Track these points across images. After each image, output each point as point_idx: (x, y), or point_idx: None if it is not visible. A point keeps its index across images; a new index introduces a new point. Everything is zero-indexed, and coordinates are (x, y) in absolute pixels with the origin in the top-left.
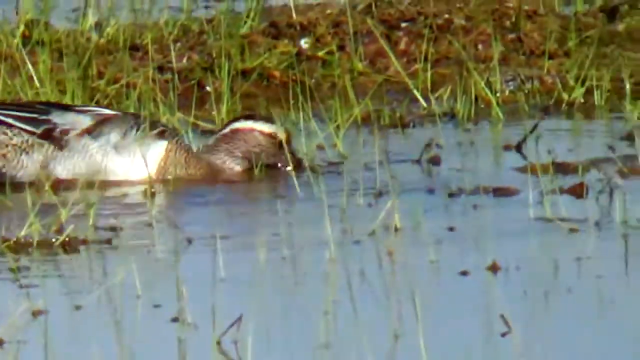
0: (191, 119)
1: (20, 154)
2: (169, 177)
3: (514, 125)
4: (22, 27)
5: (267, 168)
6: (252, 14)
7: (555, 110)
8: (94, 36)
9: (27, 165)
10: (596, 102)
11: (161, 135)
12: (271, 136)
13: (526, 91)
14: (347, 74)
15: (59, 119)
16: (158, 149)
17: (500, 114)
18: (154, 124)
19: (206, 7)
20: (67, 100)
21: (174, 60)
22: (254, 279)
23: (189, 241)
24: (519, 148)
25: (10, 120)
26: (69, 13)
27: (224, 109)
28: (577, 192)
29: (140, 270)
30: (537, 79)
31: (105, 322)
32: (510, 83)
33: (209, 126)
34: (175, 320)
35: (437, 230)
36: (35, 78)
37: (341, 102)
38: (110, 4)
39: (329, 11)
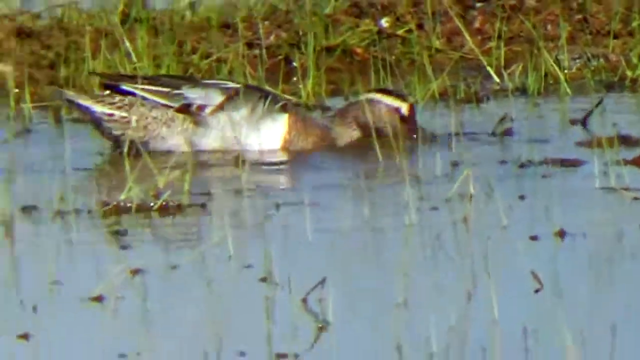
0: (279, 92)
1: (161, 127)
2: (294, 147)
3: (580, 100)
4: (121, 6)
5: (378, 137)
6: None
7: (619, 86)
8: (188, 14)
9: (167, 137)
10: None
11: (284, 108)
12: (396, 110)
13: (592, 68)
14: (425, 51)
15: (191, 93)
16: (282, 122)
17: (568, 90)
18: (276, 98)
19: None
20: (162, 73)
21: (262, 37)
22: (338, 241)
23: (277, 207)
24: (585, 122)
25: (146, 94)
26: None
27: (309, 83)
28: None
29: (232, 233)
30: (602, 57)
31: (199, 281)
32: (577, 60)
33: (294, 99)
34: (263, 280)
35: (509, 198)
36: (133, 53)
37: (419, 77)
38: None
39: None
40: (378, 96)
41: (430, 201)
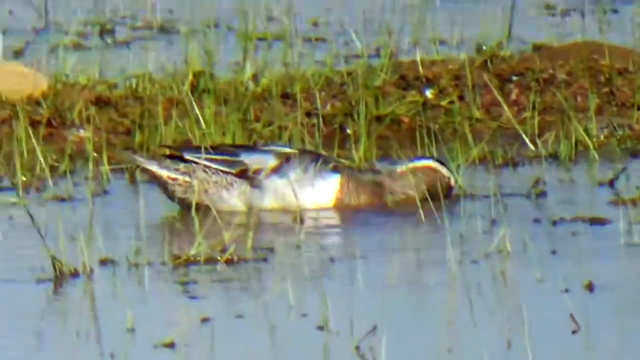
0: (332, 156)
1: (221, 190)
2: (345, 205)
3: (607, 165)
4: (190, 77)
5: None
6: (385, 68)
7: None
8: (252, 85)
9: (227, 199)
10: None
11: (335, 168)
12: (444, 177)
13: (618, 137)
14: (466, 121)
15: (248, 159)
16: (334, 181)
17: (596, 156)
18: (327, 160)
19: (346, 62)
20: (228, 139)
21: (319, 106)
22: (387, 293)
23: (332, 260)
24: (612, 184)
25: (207, 162)
26: (230, 65)
27: (361, 149)
28: None
29: (292, 284)
30: (627, 126)
31: (262, 329)
32: (605, 129)
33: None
34: (320, 328)
35: (542, 253)
36: (202, 121)
37: (461, 144)
38: (266, 58)
39: (450, 66)
40: (434, 164)
41: (471, 256)
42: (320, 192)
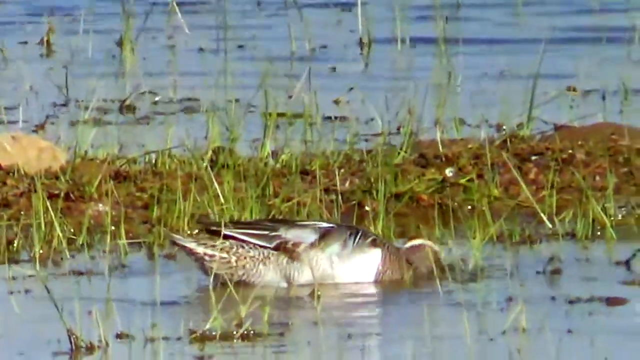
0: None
1: (258, 265)
2: (383, 279)
3: (624, 244)
4: (210, 153)
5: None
6: (404, 147)
7: None
8: (271, 162)
9: (264, 274)
10: None
11: (374, 243)
12: (436, 252)
13: (636, 216)
14: (485, 199)
15: (286, 233)
16: (374, 256)
17: (614, 235)
18: (366, 234)
19: (366, 140)
20: (246, 215)
21: (338, 183)
22: None
23: (349, 336)
24: (628, 264)
25: (245, 237)
26: (250, 142)
27: (379, 225)
28: None
29: (307, 359)
30: None
31: None
32: (623, 209)
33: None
34: None
35: (558, 332)
36: (221, 196)
37: (479, 222)
38: (286, 136)
39: (470, 145)
40: (426, 242)
41: (488, 333)
42: (360, 267)
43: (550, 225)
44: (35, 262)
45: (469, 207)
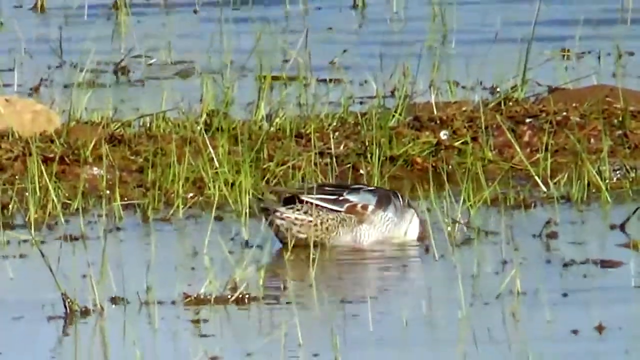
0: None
1: (338, 227)
2: (419, 238)
3: (619, 207)
4: (204, 116)
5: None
6: (399, 110)
7: None
8: (265, 125)
9: (342, 236)
10: None
11: (409, 204)
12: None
13: (630, 179)
14: (479, 162)
15: (353, 197)
16: (414, 215)
17: (609, 198)
18: (402, 196)
19: (361, 103)
20: (241, 178)
21: (332, 146)
22: (397, 333)
23: (343, 300)
24: (623, 227)
25: (320, 203)
26: (244, 106)
27: None
28: None
29: (301, 323)
30: None
31: None
32: (617, 172)
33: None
34: None
35: (553, 295)
36: (215, 160)
37: (473, 185)
38: (280, 99)
39: (464, 108)
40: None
41: (482, 297)
42: (410, 226)
43: (544, 189)
44: (30, 227)
45: (463, 170)
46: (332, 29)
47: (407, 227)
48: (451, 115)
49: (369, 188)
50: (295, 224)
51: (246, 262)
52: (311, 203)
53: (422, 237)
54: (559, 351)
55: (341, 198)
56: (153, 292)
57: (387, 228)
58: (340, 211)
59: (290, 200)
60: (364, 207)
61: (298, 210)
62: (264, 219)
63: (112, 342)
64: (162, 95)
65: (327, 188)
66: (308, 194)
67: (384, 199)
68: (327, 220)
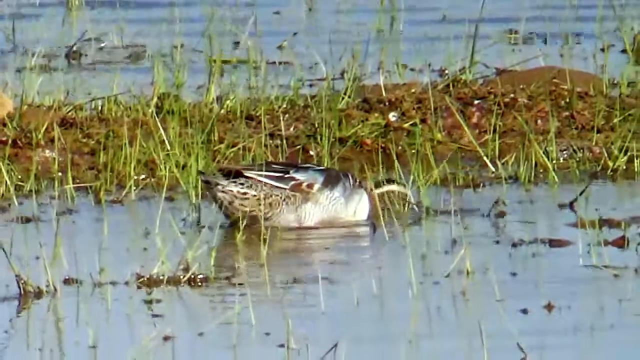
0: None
1: (282, 203)
2: (368, 217)
3: (567, 187)
4: (155, 99)
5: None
6: (348, 92)
7: (601, 175)
8: (216, 107)
9: (286, 213)
10: (636, 169)
11: (360, 185)
12: (403, 194)
13: (577, 159)
14: (428, 143)
15: (298, 175)
16: (364, 196)
17: (556, 178)
18: (353, 176)
19: (310, 85)
20: (191, 161)
21: (282, 128)
22: (348, 312)
23: (295, 280)
24: (571, 206)
25: (264, 179)
26: (195, 88)
27: None
28: (620, 244)
29: (253, 303)
30: (587, 149)
31: (224, 347)
32: (565, 152)
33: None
34: (281, 346)
35: (502, 274)
36: (166, 142)
37: (422, 166)
38: (230, 81)
39: (413, 90)
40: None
41: (432, 276)
42: (359, 206)
43: (493, 169)
44: None
45: (413, 151)
46: (280, 13)
47: (356, 207)
48: (400, 97)
49: (318, 168)
50: (237, 197)
51: (198, 243)
52: (254, 178)
53: (372, 217)
54: (509, 329)
55: (287, 176)
56: (106, 273)
57: (334, 208)
58: (284, 188)
59: (236, 176)
60: (310, 186)
61: (241, 184)
62: (207, 193)
63: (65, 322)
64: (113, 78)
65: (274, 166)
66: (256, 170)
67: (332, 179)
68: (271, 196)
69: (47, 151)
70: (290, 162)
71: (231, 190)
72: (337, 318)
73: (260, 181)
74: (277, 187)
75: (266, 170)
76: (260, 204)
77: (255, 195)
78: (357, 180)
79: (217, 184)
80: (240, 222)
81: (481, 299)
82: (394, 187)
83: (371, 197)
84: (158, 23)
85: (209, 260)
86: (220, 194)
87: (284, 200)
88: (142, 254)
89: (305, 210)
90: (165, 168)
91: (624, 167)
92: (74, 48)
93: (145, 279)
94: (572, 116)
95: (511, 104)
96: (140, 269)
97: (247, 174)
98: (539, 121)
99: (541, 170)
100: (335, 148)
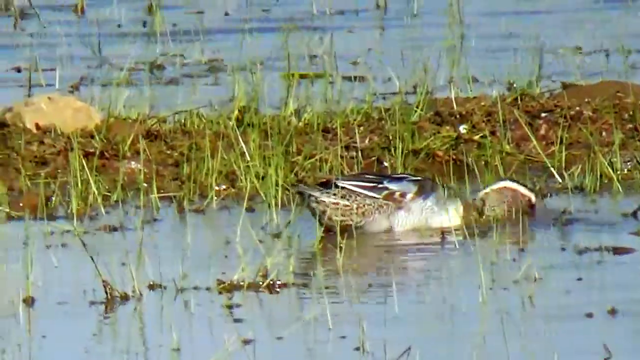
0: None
1: (374, 212)
2: (464, 224)
3: (631, 197)
4: (236, 112)
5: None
6: (421, 105)
7: None
8: (294, 120)
9: (378, 221)
10: None
11: (455, 195)
12: (524, 196)
13: None
14: (497, 154)
15: (390, 185)
16: (459, 204)
17: (620, 188)
18: (446, 186)
19: (384, 99)
20: (271, 172)
21: (358, 140)
22: (421, 316)
23: (370, 285)
24: (634, 215)
25: (356, 189)
26: (274, 102)
27: None
28: None
29: (330, 308)
30: None
31: (301, 350)
32: (628, 163)
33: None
34: (357, 349)
35: (568, 280)
36: (247, 153)
37: (492, 176)
38: (307, 95)
39: (483, 103)
40: (511, 184)
41: (501, 282)
42: (452, 214)
43: (559, 180)
44: (72, 218)
45: (482, 162)
46: (353, 29)
47: (449, 216)
48: (470, 110)
49: (413, 178)
50: (329, 208)
51: (276, 250)
52: (346, 188)
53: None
54: (574, 333)
55: (380, 186)
56: (189, 279)
57: (425, 216)
58: (377, 197)
59: (327, 185)
60: (402, 195)
61: (334, 194)
62: (303, 203)
63: (149, 326)
64: (195, 92)
65: (368, 176)
66: (349, 180)
67: (425, 189)
68: (364, 206)
69: (132, 162)
70: (383, 173)
71: (324, 201)
72: (410, 322)
73: (354, 191)
74: (369, 196)
75: (360, 180)
76: (352, 214)
77: (347, 205)
78: (452, 191)
79: (310, 195)
80: (325, 225)
81: (548, 304)
82: (521, 188)
83: (466, 204)
84: (238, 38)
85: (288, 266)
86: (314, 205)
87: (377, 209)
88: (223, 260)
89: (397, 217)
90: (245, 179)
91: None
92: (157, 63)
93: (226, 284)
94: (636, 128)
95: (577, 117)
96: (221, 275)
97: (340, 183)
98: (603, 133)
99: (606, 181)
100: (409, 159)
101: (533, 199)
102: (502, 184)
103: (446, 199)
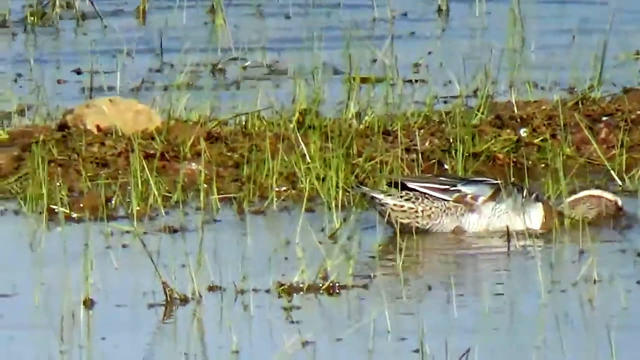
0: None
1: (442, 215)
2: (546, 228)
3: None
4: (297, 115)
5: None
6: (481, 108)
7: None
8: (355, 123)
9: (446, 224)
10: None
11: (537, 198)
12: (610, 201)
13: None
14: (558, 157)
15: (465, 188)
16: (539, 209)
17: None
18: (530, 190)
19: (445, 102)
20: (331, 174)
21: (418, 143)
22: (480, 318)
23: (429, 288)
24: None
25: (426, 191)
26: (334, 104)
27: None
28: None
29: (389, 310)
30: None
31: (361, 352)
32: None
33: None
34: (416, 351)
35: (628, 283)
36: (307, 155)
37: (552, 179)
38: (368, 98)
39: (543, 107)
40: (597, 192)
41: (560, 284)
42: (532, 219)
43: (620, 182)
44: (133, 219)
45: (543, 165)
46: (415, 33)
47: (528, 219)
48: (531, 113)
49: (491, 182)
50: (394, 210)
51: (336, 252)
52: (417, 190)
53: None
54: (635, 336)
55: (453, 188)
56: (248, 281)
57: (499, 219)
58: (447, 200)
59: (401, 187)
60: (474, 198)
61: (400, 196)
62: (370, 204)
63: (209, 328)
64: (256, 95)
65: (442, 178)
66: (420, 182)
67: (502, 192)
68: (431, 208)
69: (193, 164)
70: (460, 176)
71: (387, 203)
72: (469, 324)
73: (423, 193)
74: (438, 198)
75: (432, 182)
76: (417, 216)
77: (412, 208)
78: (535, 194)
79: (373, 198)
80: (397, 231)
81: (607, 306)
82: (606, 194)
83: (548, 209)
84: (299, 41)
85: (347, 269)
86: (379, 207)
87: (444, 211)
88: (283, 262)
89: (468, 220)
90: (305, 180)
91: None
92: (219, 66)
93: (286, 286)
94: None
95: (637, 121)
96: (280, 277)
97: (410, 185)
98: None
99: None
100: (469, 162)
101: (619, 202)
102: (585, 192)
103: (527, 204)
